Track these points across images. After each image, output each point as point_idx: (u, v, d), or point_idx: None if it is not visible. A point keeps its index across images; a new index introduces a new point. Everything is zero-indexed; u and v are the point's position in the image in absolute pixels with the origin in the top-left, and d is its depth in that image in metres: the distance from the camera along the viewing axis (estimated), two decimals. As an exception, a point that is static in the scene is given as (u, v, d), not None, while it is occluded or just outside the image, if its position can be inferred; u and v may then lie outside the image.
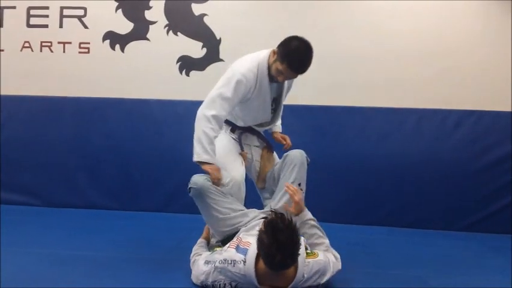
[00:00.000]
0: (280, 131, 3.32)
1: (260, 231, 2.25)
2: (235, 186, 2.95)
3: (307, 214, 2.73)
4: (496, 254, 3.58)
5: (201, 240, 2.95)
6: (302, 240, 2.43)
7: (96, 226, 3.95)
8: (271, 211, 2.40)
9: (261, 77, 2.85)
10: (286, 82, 3.01)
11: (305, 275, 2.31)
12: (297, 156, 2.94)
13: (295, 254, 2.21)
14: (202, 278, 2.46)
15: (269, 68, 2.84)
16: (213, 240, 2.92)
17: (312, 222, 2.71)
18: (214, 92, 2.84)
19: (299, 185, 2.88)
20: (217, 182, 2.81)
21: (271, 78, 2.88)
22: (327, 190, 4.38)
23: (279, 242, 2.14)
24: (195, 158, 2.81)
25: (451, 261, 3.34)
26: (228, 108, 2.83)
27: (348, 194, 4.39)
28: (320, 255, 2.44)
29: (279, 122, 3.29)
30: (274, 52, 2.82)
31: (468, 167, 4.26)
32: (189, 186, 2.79)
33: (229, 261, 2.34)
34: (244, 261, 2.31)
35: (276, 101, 3.05)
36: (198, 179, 2.78)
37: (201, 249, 2.81)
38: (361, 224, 4.28)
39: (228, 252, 2.40)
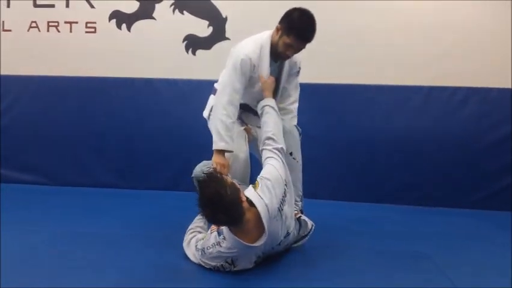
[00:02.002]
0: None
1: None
2: (239, 165, 2.96)
3: (267, 102, 2.88)
4: (501, 231, 3.59)
5: None
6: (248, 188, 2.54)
7: (103, 204, 4.00)
8: (204, 173, 2.48)
9: (263, 57, 2.88)
10: (287, 65, 3.02)
11: (267, 205, 2.40)
12: (284, 126, 2.99)
13: (228, 208, 2.28)
14: (197, 260, 2.57)
15: (275, 46, 2.86)
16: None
17: (267, 109, 2.85)
18: (223, 79, 2.90)
19: (291, 154, 2.95)
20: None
21: (275, 57, 2.90)
22: (332, 168, 4.40)
23: (206, 197, 2.27)
24: (214, 147, 2.85)
25: (454, 238, 3.36)
26: (240, 91, 2.86)
27: (353, 172, 4.41)
28: (259, 183, 2.50)
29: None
30: (277, 29, 2.84)
31: (474, 144, 4.25)
32: (192, 175, 2.89)
33: (215, 244, 2.45)
34: (224, 238, 2.42)
35: (277, 83, 3.04)
36: (199, 170, 2.85)
37: (200, 223, 2.87)
38: (365, 202, 4.30)
39: (212, 238, 2.48)
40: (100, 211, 3.78)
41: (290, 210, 2.62)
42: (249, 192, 2.48)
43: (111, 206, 3.93)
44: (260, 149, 2.80)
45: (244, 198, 2.40)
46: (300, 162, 3.00)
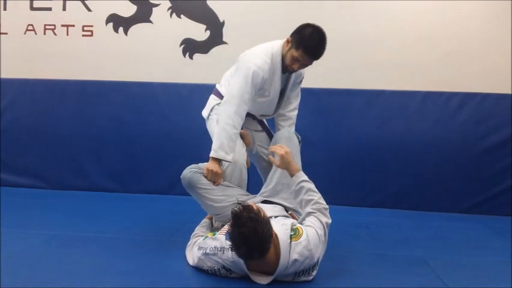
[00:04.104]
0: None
1: (230, 223, 2.25)
2: (236, 170, 2.94)
3: (300, 177, 2.65)
4: (498, 236, 3.61)
5: (204, 221, 3.00)
6: (287, 223, 2.41)
7: (100, 208, 3.99)
8: (239, 203, 2.36)
9: (274, 68, 2.85)
10: (293, 75, 3.01)
11: (289, 262, 2.28)
12: (283, 132, 3.00)
13: (262, 246, 2.18)
14: (195, 262, 2.52)
15: (283, 58, 2.84)
16: (217, 224, 2.93)
17: (306, 186, 2.62)
18: (233, 87, 2.83)
19: None
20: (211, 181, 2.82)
21: (284, 69, 2.88)
22: (331, 172, 4.40)
23: (243, 234, 2.14)
24: (211, 154, 2.80)
25: (452, 243, 3.37)
26: (248, 102, 2.82)
27: (352, 177, 4.42)
28: (303, 234, 2.34)
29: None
30: (288, 41, 2.82)
31: (471, 149, 4.27)
32: (181, 176, 2.84)
33: (219, 249, 2.37)
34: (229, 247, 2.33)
35: (281, 93, 3.04)
36: (186, 171, 2.83)
37: (202, 229, 2.86)
38: (364, 206, 4.33)
39: (218, 240, 2.42)
40: (97, 215, 3.77)
41: (307, 278, 2.44)
42: (284, 237, 2.31)
43: (108, 210, 3.93)
44: (306, 211, 2.57)
45: (275, 235, 2.29)
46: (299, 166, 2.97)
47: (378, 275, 2.63)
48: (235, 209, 2.24)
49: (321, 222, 2.48)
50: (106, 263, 2.65)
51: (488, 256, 3.08)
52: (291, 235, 2.33)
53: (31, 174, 4.66)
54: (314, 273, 2.42)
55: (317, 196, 2.59)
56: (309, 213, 2.54)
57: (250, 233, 2.13)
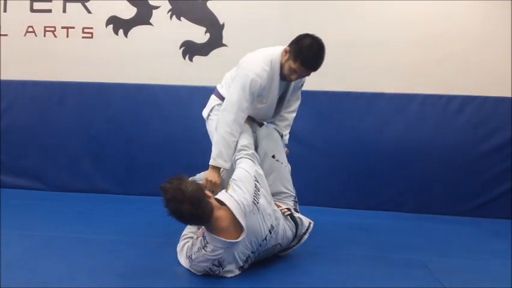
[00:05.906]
0: (286, 143, 3.26)
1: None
2: (228, 173, 2.92)
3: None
4: (497, 239, 3.61)
5: None
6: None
7: (100, 210, 3.98)
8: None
9: (273, 76, 2.85)
10: (293, 82, 3.01)
11: (238, 201, 2.46)
12: (262, 130, 3.07)
13: (191, 201, 2.32)
14: (187, 266, 2.59)
15: (281, 67, 2.84)
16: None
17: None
18: (231, 95, 2.85)
19: (273, 156, 2.95)
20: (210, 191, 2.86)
21: (283, 77, 2.88)
22: (330, 175, 4.40)
23: (167, 192, 2.36)
24: (210, 162, 2.84)
25: (451, 246, 3.36)
26: (246, 110, 2.84)
27: (351, 179, 4.41)
28: (230, 185, 2.59)
29: (286, 134, 3.27)
30: (286, 51, 2.81)
31: (470, 152, 4.27)
32: None
33: (201, 248, 2.47)
34: (207, 241, 2.46)
35: (281, 99, 3.05)
36: None
37: (192, 229, 2.87)
38: (363, 209, 4.32)
39: (198, 243, 2.51)
40: (96, 217, 3.77)
41: (268, 202, 2.63)
42: (220, 194, 2.58)
43: (107, 212, 3.92)
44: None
45: (210, 195, 2.49)
46: (286, 163, 3.00)
47: (377, 278, 2.64)
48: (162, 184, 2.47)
49: (244, 157, 2.77)
50: (105, 264, 2.65)
51: (487, 259, 3.08)
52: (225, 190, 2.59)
53: (30, 176, 4.66)
54: (262, 190, 2.62)
55: (239, 144, 2.85)
56: (234, 162, 2.82)
57: (174, 188, 2.34)
